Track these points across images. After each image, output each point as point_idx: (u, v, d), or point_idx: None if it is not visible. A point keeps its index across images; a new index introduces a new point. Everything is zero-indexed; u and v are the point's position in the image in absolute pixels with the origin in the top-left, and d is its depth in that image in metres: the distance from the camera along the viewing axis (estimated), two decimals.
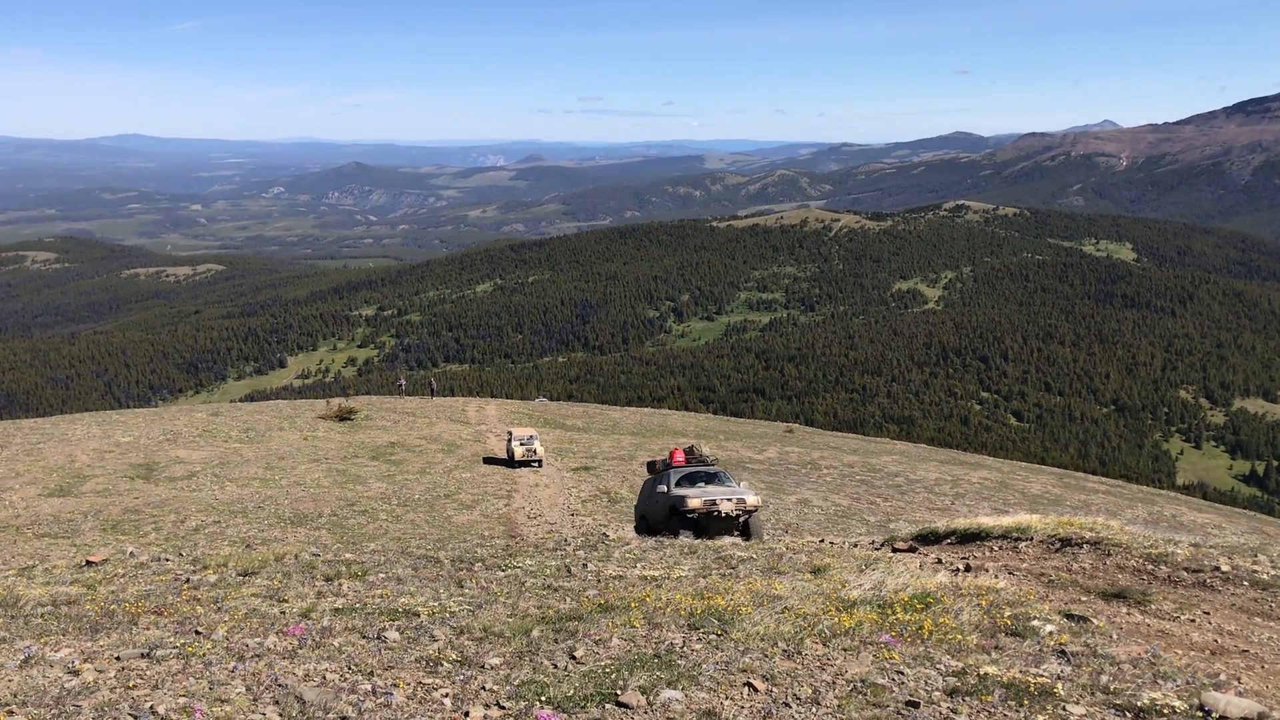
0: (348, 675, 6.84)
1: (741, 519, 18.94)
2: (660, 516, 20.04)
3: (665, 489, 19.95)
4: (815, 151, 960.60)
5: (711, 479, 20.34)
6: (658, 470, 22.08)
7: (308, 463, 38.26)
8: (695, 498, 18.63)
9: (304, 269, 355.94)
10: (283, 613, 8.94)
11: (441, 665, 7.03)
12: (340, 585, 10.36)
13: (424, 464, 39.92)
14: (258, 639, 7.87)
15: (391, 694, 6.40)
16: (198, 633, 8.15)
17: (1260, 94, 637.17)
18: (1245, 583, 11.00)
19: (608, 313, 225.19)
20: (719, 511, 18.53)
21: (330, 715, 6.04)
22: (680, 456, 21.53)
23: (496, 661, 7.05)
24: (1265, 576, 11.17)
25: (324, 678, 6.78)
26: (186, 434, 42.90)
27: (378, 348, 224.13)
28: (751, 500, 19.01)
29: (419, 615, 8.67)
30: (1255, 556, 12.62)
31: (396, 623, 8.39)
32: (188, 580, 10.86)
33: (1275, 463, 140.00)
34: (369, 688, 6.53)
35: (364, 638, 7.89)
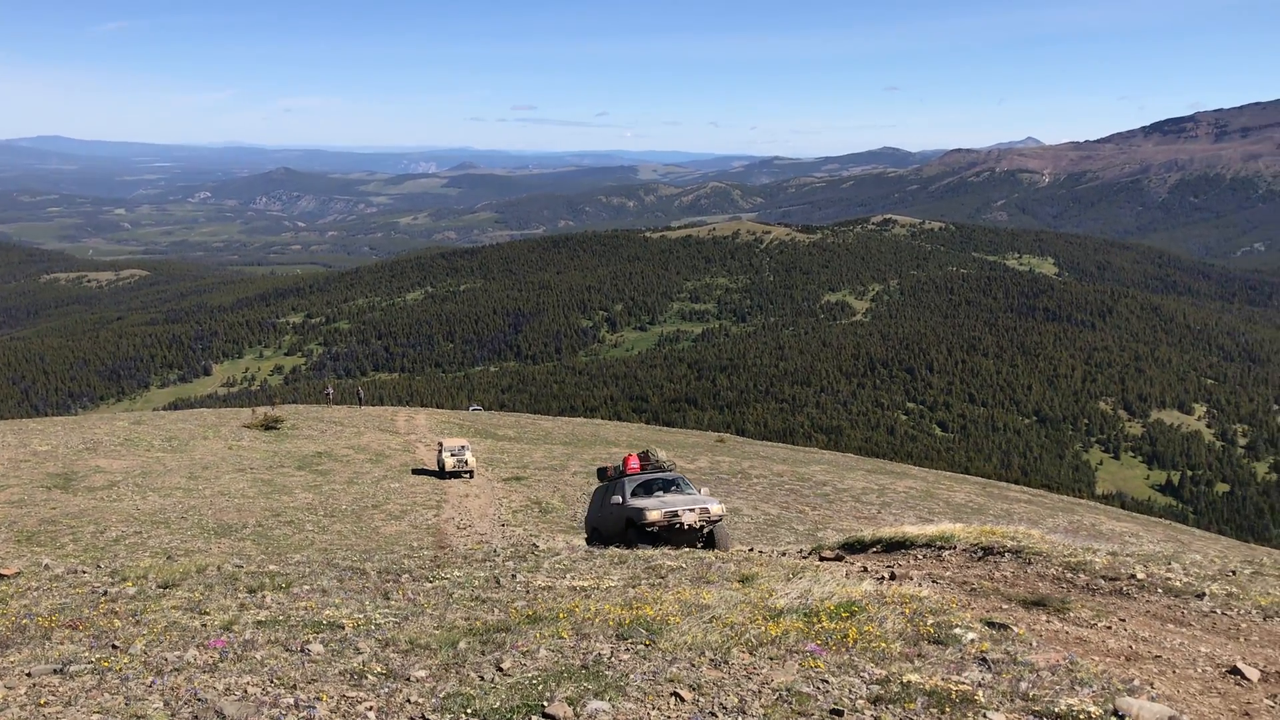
0: (270, 689, 6.72)
1: (706, 530, 17.71)
2: (615, 530, 18.67)
3: (620, 499, 18.57)
4: (747, 164, 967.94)
5: (670, 487, 19.08)
6: (609, 477, 20.59)
7: (232, 472, 37.58)
8: (655, 509, 17.37)
9: (230, 275, 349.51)
10: (204, 625, 8.77)
11: (366, 678, 6.94)
12: (264, 597, 10.19)
13: (351, 474, 39.43)
14: (177, 653, 7.70)
15: (314, 708, 6.31)
16: (114, 647, 7.95)
17: (1177, 114, 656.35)
18: (1159, 590, 11.30)
19: (541, 322, 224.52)
20: (681, 523, 17.27)
21: None
22: (635, 463, 20.01)
23: (422, 674, 6.99)
24: (1178, 584, 11.49)
25: (245, 691, 6.66)
26: (107, 443, 41.88)
27: (305, 356, 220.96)
28: (716, 509, 17.77)
29: (344, 628, 8.55)
30: (1169, 564, 12.98)
31: (321, 635, 8.27)
32: (105, 593, 10.60)
33: (1189, 473, 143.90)
34: (291, 701, 6.43)
35: (287, 650, 7.77)
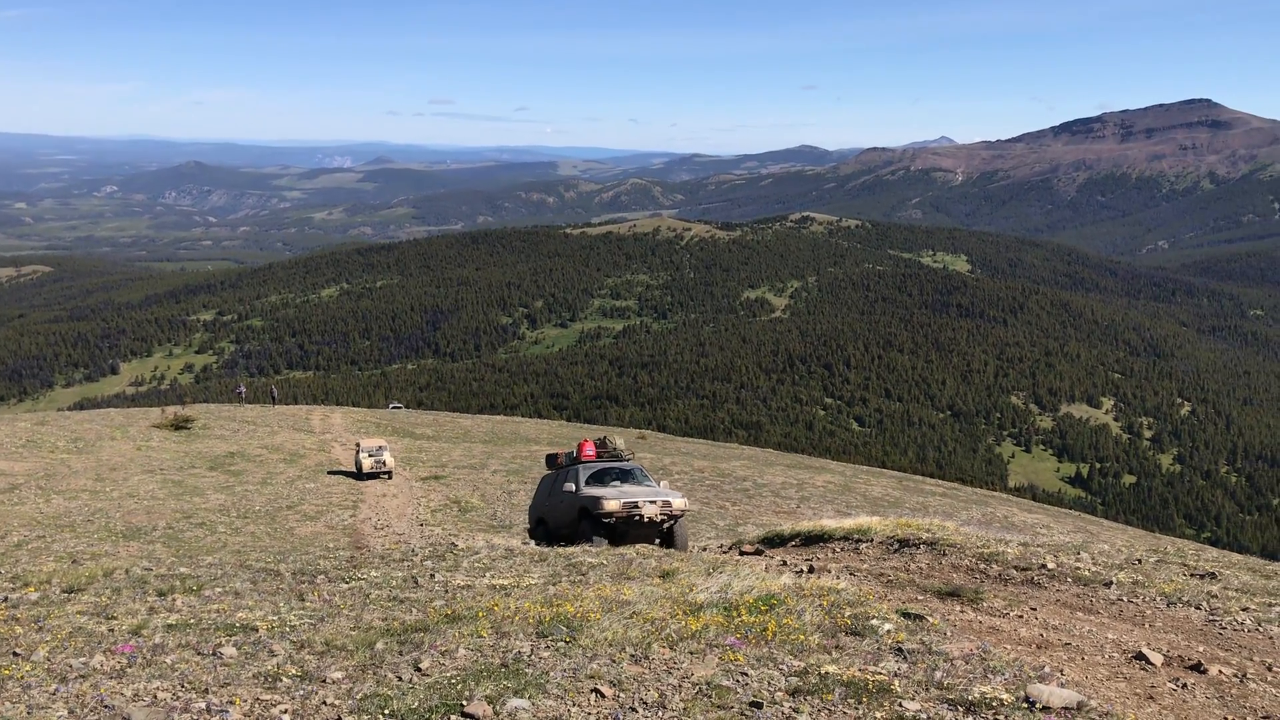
0: (180, 694, 6.56)
1: (666, 525, 16.64)
2: (565, 520, 17.75)
3: (573, 488, 17.40)
4: (667, 161, 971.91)
5: (627, 477, 17.97)
6: (560, 465, 19.54)
7: (141, 474, 36.62)
8: (612, 499, 16.16)
9: (138, 271, 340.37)
10: (111, 630, 8.52)
11: (281, 681, 6.81)
12: (174, 600, 9.94)
13: (265, 474, 38.68)
14: (83, 659, 7.47)
15: (228, 712, 6.17)
16: (16, 654, 7.68)
17: (1085, 115, 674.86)
18: (1069, 579, 11.59)
19: (459, 319, 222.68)
20: (641, 516, 16.14)
21: None
22: (590, 450, 18.88)
23: (339, 675, 6.87)
24: (1087, 573, 11.79)
25: (155, 697, 6.48)
26: (8, 444, 40.53)
27: (217, 354, 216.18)
28: (678, 504, 16.66)
29: (258, 630, 8.38)
30: (1078, 554, 13.32)
31: (234, 638, 8.09)
32: (5, 599, 10.24)
33: (1098, 465, 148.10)
34: (203, 706, 6.28)
35: (199, 654, 7.58)
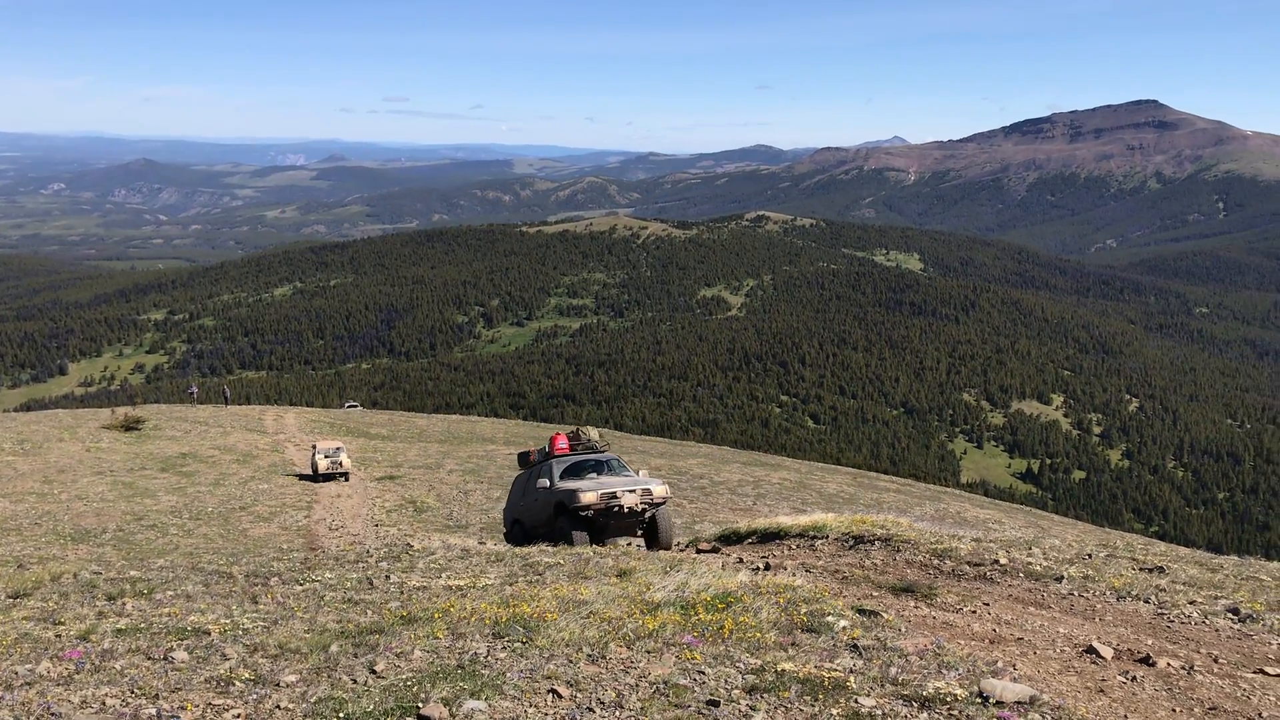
0: (130, 699, 6.45)
1: (647, 514, 16.22)
2: (541, 519, 17.23)
3: (547, 483, 16.89)
4: (623, 160, 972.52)
5: (603, 468, 17.54)
6: (533, 462, 19.01)
7: (91, 475, 36.03)
8: (589, 491, 15.67)
9: (87, 270, 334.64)
10: (58, 636, 8.37)
11: (234, 685, 6.72)
12: (124, 604, 9.79)
13: (218, 475, 38.21)
14: (29, 665, 7.33)
15: (178, 717, 6.08)
16: None
17: (1034, 115, 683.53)
18: (1021, 574, 11.72)
19: (414, 318, 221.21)
20: (620, 506, 15.65)
21: None
22: (563, 443, 18.26)
23: (293, 679, 6.80)
24: (1038, 568, 11.93)
25: (104, 703, 6.37)
26: None
27: (168, 354, 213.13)
28: (659, 490, 16.26)
29: (210, 633, 8.27)
30: (1030, 550, 13.48)
31: (185, 642, 7.98)
32: None
33: (1048, 461, 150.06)
34: (154, 712, 6.18)
35: (149, 659, 7.47)
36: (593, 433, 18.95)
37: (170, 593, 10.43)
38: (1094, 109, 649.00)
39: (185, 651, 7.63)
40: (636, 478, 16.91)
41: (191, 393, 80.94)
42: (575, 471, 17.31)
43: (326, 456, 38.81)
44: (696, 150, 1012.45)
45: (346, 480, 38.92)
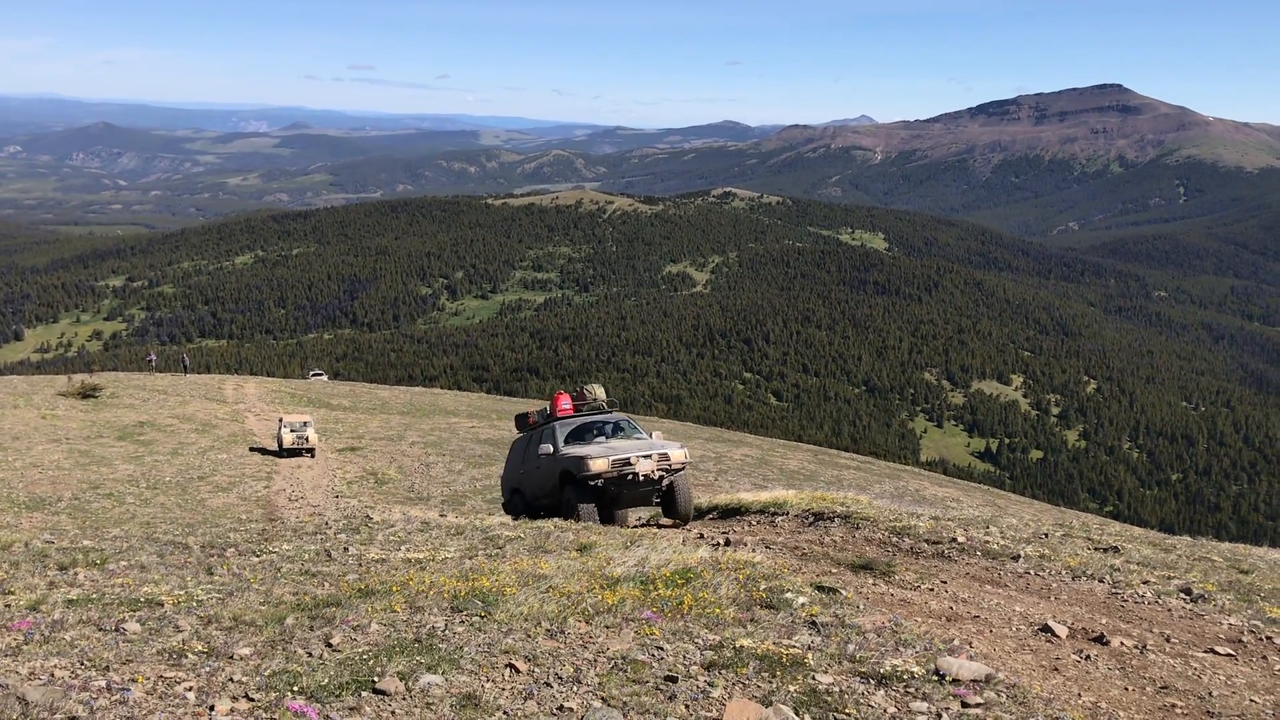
0: (80, 671, 6.34)
1: (665, 482, 14.81)
2: (545, 488, 15.93)
3: (551, 449, 15.41)
4: (590, 133, 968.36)
5: (613, 431, 16.08)
6: (532, 425, 17.43)
7: (46, 443, 35.54)
8: (599, 458, 14.26)
9: (44, 235, 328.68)
10: (7, 606, 8.22)
11: (186, 657, 6.63)
12: (76, 574, 9.64)
13: (176, 444, 37.82)
14: None
15: (129, 690, 5.97)
16: None
17: (1000, 97, 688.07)
18: (978, 553, 11.81)
19: (378, 289, 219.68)
20: (635, 474, 14.26)
21: (58, 715, 5.58)
22: (566, 403, 16.67)
23: (247, 651, 6.71)
24: (995, 546, 12.03)
25: (52, 675, 6.26)
26: None
27: (126, 321, 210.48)
28: (677, 455, 14.86)
29: (163, 605, 8.15)
30: (987, 528, 13.59)
31: (138, 613, 7.86)
32: None
33: (1007, 440, 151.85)
34: (104, 684, 6.08)
35: (100, 630, 7.35)
36: (598, 390, 17.44)
37: (124, 563, 10.29)
38: (1059, 92, 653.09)
39: (138, 623, 7.51)
40: (651, 440, 15.47)
41: (150, 360, 80.00)
42: (581, 435, 15.92)
43: (292, 431, 37.52)
44: (664, 125, 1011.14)
45: (312, 457, 37.67)
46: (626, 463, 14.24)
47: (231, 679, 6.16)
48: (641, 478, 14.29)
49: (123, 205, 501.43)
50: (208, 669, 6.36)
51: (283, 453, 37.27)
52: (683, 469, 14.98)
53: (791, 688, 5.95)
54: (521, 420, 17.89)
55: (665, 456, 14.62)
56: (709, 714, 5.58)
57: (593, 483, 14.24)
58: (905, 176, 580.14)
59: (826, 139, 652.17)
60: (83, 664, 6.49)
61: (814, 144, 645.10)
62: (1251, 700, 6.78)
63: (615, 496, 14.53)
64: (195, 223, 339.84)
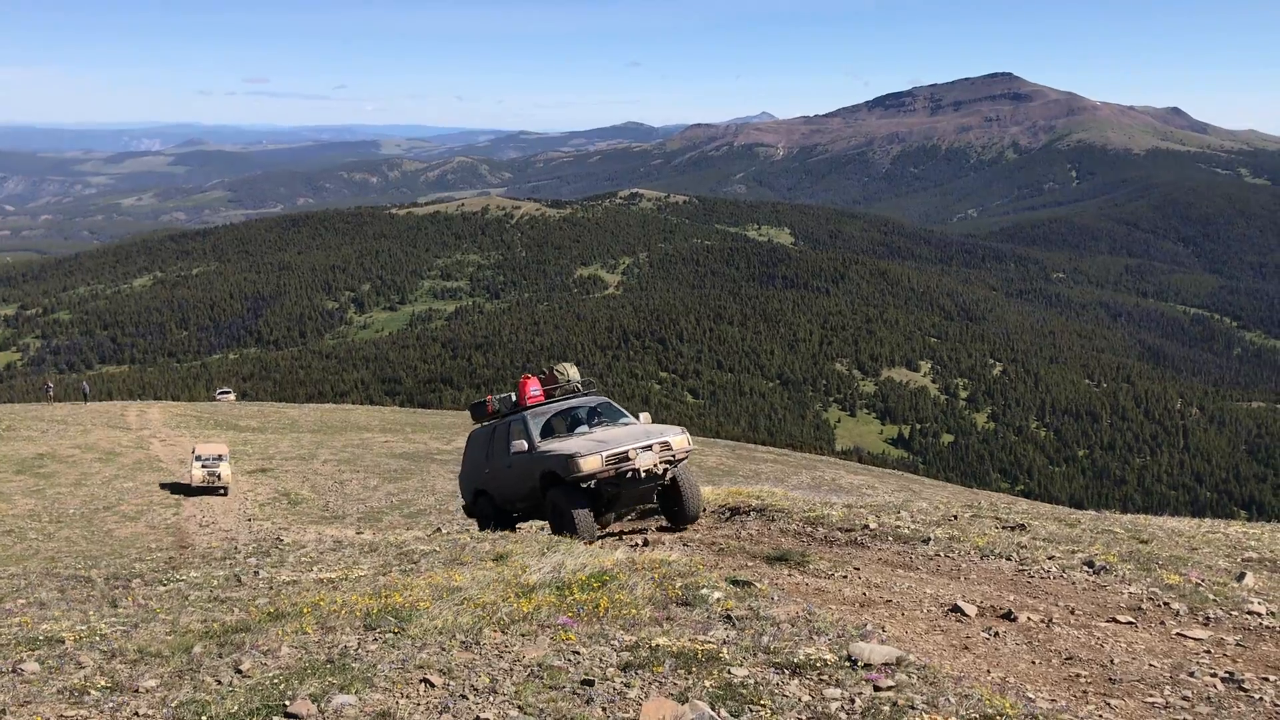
0: None
1: (667, 476, 12.66)
2: (520, 491, 13.56)
3: (525, 445, 13.13)
4: (494, 139, 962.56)
5: (595, 417, 13.91)
6: (493, 414, 14.72)
7: None
8: (591, 454, 12.01)
9: None
10: None
11: (89, 694, 6.44)
12: None
13: (79, 475, 36.69)
14: None
15: None
16: None
17: (896, 89, 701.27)
18: (890, 538, 12.03)
19: (282, 305, 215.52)
20: (635, 470, 12.11)
21: None
22: (535, 388, 14.29)
23: (153, 684, 6.55)
24: (906, 531, 12.27)
25: None
26: None
27: (21, 350, 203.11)
28: (679, 441, 12.77)
29: (64, 642, 7.91)
30: (899, 513, 13.84)
31: (37, 653, 7.61)
32: None
33: (918, 426, 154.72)
34: None
35: None
36: (571, 370, 15.19)
37: (22, 601, 9.97)
38: (953, 82, 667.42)
39: (36, 663, 7.28)
40: (645, 426, 13.42)
41: (48, 390, 77.45)
42: (562, 425, 13.77)
43: (203, 465, 34.40)
44: (568, 128, 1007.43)
45: (225, 494, 34.45)
46: (624, 457, 12.08)
47: (137, 713, 6.02)
48: (643, 474, 12.20)
49: (11, 231, 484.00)
50: (111, 704, 6.19)
51: (191, 490, 34.36)
52: (686, 457, 12.93)
53: (707, 683, 5.99)
54: (479, 409, 15.22)
55: (667, 445, 12.52)
56: (626, 715, 5.60)
57: (585, 484, 12.12)
58: (808, 171, 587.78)
59: (729, 137, 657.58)
60: None
61: (717, 142, 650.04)
62: (1151, 664, 7.02)
63: (613, 497, 12.46)
64: (89, 246, 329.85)
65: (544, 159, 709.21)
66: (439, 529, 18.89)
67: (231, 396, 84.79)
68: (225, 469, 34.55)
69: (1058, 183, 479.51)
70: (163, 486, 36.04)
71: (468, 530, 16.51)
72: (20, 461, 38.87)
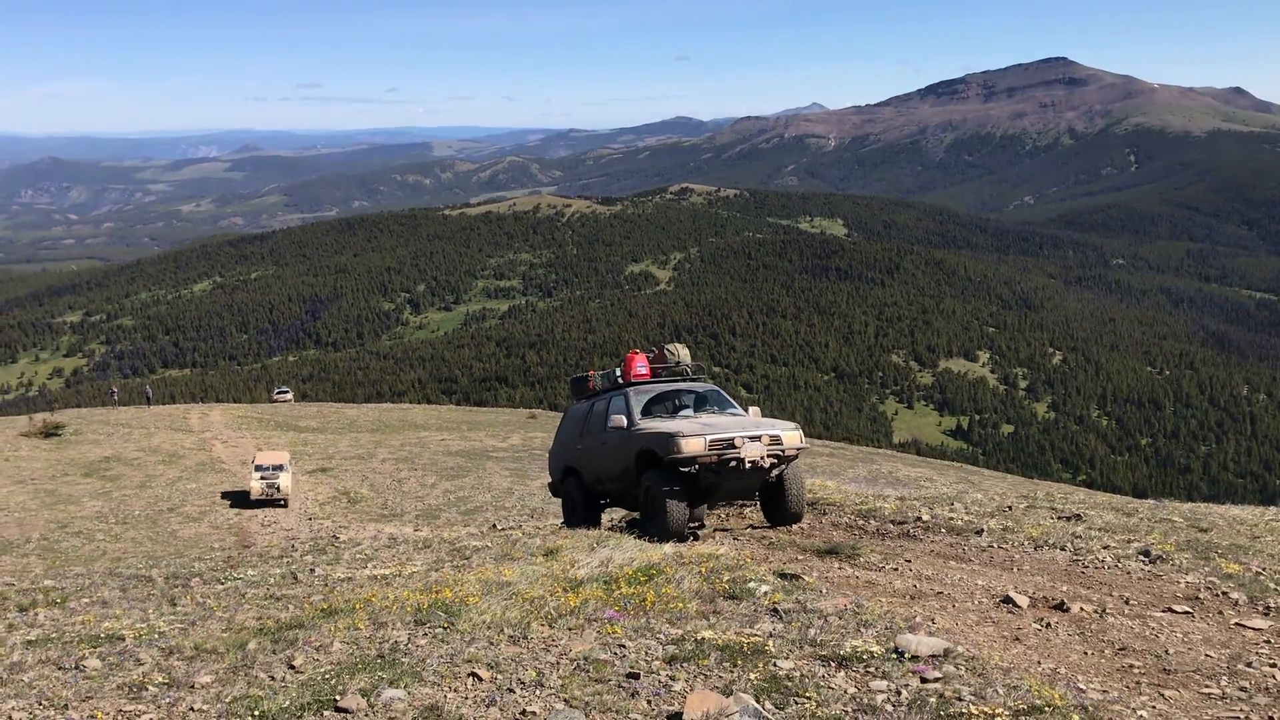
0: (38, 711, 6.29)
1: (775, 472, 11.84)
2: (613, 471, 12.81)
3: (624, 420, 12.38)
4: (544, 137, 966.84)
5: (702, 404, 13.10)
6: (594, 391, 14.15)
7: (10, 485, 35.12)
8: (694, 435, 11.23)
9: None
10: None
11: (147, 690, 6.59)
12: (36, 615, 9.56)
13: (144, 478, 37.47)
14: None
15: None
16: None
17: (949, 77, 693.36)
18: (943, 530, 11.93)
19: (340, 307, 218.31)
20: (740, 459, 11.24)
21: None
22: (642, 365, 13.49)
23: (208, 679, 6.68)
24: (960, 522, 12.15)
25: (10, 717, 6.21)
26: None
27: (86, 356, 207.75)
28: (791, 437, 11.83)
29: (124, 639, 8.10)
30: (952, 505, 13.72)
31: (99, 649, 7.80)
32: None
33: (977, 416, 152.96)
34: None
35: (60, 669, 7.29)
36: (682, 351, 14.14)
37: (85, 600, 10.22)
38: (1006, 68, 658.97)
39: (98, 659, 7.47)
40: (754, 417, 12.52)
41: (113, 395, 79.17)
42: (665, 406, 12.92)
43: (262, 478, 33.21)
44: (617, 125, 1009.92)
45: (285, 506, 33.34)
46: (729, 444, 11.22)
47: (192, 708, 6.14)
48: (748, 464, 11.27)
49: (75, 240, 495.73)
50: (168, 700, 6.33)
51: (250, 503, 33.18)
52: (797, 456, 12.05)
53: (752, 675, 5.99)
54: (579, 384, 14.58)
55: (777, 439, 11.57)
56: (671, 708, 5.61)
57: (685, 468, 11.27)
58: (859, 161, 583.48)
59: (779, 129, 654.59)
60: (41, 704, 6.44)
61: (767, 134, 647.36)
62: (1207, 655, 6.89)
63: (712, 487, 11.58)
64: (150, 253, 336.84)
65: (594, 156, 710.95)
66: (494, 525, 19.06)
67: (289, 396, 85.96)
68: (285, 479, 33.67)
69: (1116, 167, 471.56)
70: (224, 496, 35.52)
71: (522, 525, 16.64)
72: (88, 465, 39.78)
